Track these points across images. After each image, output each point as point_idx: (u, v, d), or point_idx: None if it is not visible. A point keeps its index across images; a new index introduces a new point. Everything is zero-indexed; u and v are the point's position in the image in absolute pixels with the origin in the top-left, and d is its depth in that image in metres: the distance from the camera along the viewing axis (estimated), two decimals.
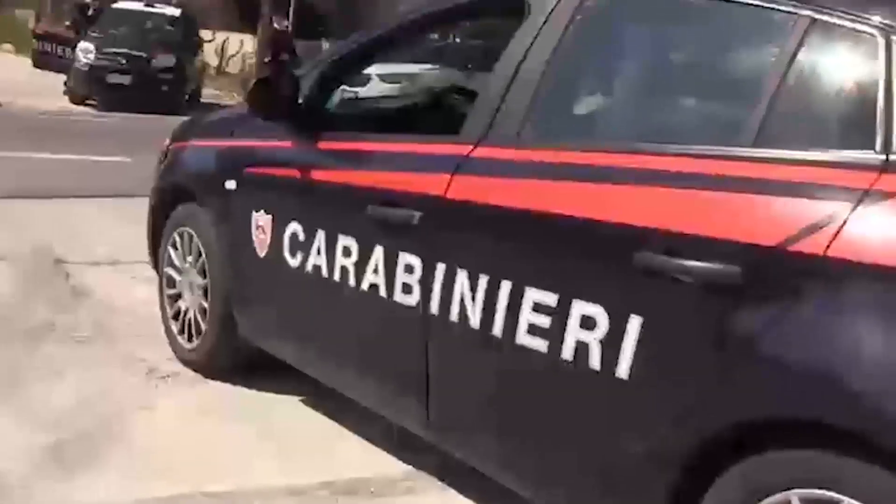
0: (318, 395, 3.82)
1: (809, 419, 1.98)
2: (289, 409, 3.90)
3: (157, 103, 16.14)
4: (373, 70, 16.70)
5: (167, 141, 4.60)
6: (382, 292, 3.02)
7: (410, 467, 3.42)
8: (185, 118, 5.20)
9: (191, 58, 18.78)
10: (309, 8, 23.68)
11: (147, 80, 16.87)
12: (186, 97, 18.00)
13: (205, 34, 21.47)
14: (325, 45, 22.95)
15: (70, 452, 3.36)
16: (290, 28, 20.51)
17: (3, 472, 3.15)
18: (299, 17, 22.01)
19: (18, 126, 12.69)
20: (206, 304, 4.09)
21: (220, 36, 24.42)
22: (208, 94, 20.59)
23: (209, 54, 22.66)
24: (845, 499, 1.93)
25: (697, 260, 2.15)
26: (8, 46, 29.91)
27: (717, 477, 2.16)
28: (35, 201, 7.49)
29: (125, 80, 16.86)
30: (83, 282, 5.37)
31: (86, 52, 17.06)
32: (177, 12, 19.46)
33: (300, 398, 3.96)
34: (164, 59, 17.27)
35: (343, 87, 3.85)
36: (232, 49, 24.97)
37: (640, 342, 2.26)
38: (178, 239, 4.28)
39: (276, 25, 19.92)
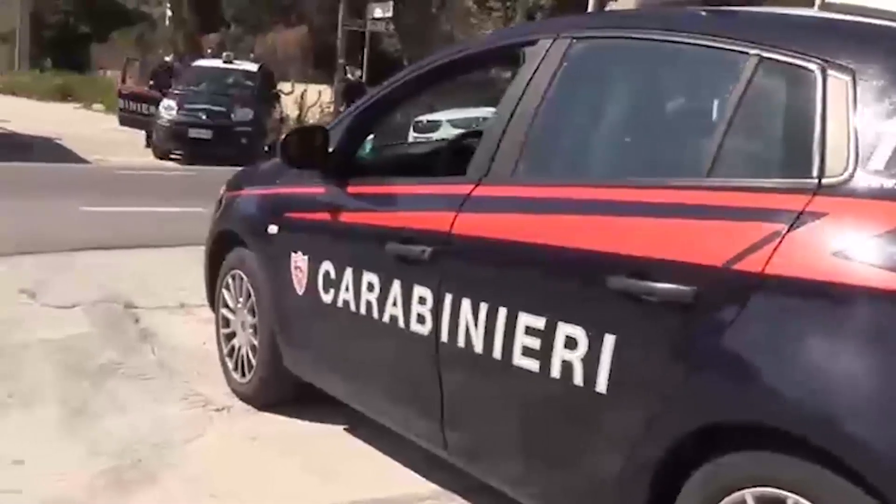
0: (358, 421, 4.07)
1: (753, 423, 2.18)
2: (331, 436, 4.17)
3: (237, 156, 16.70)
4: (443, 116, 17.15)
5: (222, 190, 4.95)
6: (401, 323, 3.28)
7: (436, 486, 3.65)
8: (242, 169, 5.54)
9: (269, 111, 19.43)
10: (381, 56, 24.28)
11: (227, 134, 17.53)
12: (266, 149, 18.60)
13: (284, 86, 22.17)
14: None
15: (129, 477, 3.67)
16: (363, 77, 21.16)
17: (68, 495, 3.48)
18: (372, 65, 22.61)
19: (106, 182, 13.36)
20: (255, 342, 4.39)
21: (299, 87, 25.17)
22: None
23: (289, 106, 23.36)
24: (790, 495, 2.12)
25: (658, 281, 2.37)
26: (98, 106, 31.23)
27: (684, 481, 2.36)
28: (114, 251, 7.95)
29: (206, 134, 17.54)
30: (151, 325, 5.74)
31: (168, 108, 17.81)
32: (254, 67, 20.17)
33: (343, 426, 4.23)
34: (243, 114, 17.92)
35: (375, 132, 4.11)
36: (310, 100, 25.68)
37: (614, 358, 2.48)
38: (230, 281, 4.61)
39: (349, 76, 20.56)
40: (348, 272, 3.60)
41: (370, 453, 4.01)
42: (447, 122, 16.58)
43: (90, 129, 21.85)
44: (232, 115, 17.85)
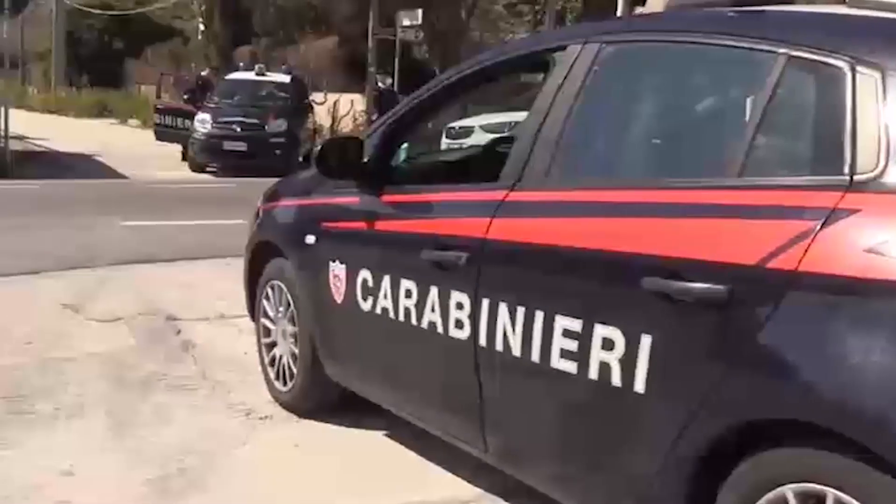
0: (398, 426, 4.12)
1: (791, 420, 2.19)
2: (372, 441, 4.22)
3: (272, 167, 16.84)
4: (475, 122, 17.21)
5: (259, 202, 5.02)
6: (440, 329, 3.32)
7: (478, 489, 3.69)
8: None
9: (302, 121, 19.58)
10: (412, 63, 24.38)
11: (261, 146, 17.69)
12: (300, 159, 18.76)
13: (317, 96, 22.32)
14: None
15: (176, 486, 3.74)
16: (394, 85, 21.28)
17: None
18: (403, 73, 22.70)
19: (142, 196, 13.53)
20: (296, 350, 4.45)
21: (331, 97, 25.31)
22: None
23: (322, 116, 23.51)
24: (831, 490, 2.13)
25: (692, 281, 2.39)
26: (134, 121, 31.60)
27: (725, 478, 2.38)
28: (154, 265, 8.08)
29: (241, 146, 17.70)
30: (192, 336, 5.83)
31: (203, 122, 18.00)
32: (287, 78, 20.33)
33: (384, 432, 4.28)
34: (276, 125, 18.07)
35: (410, 140, 4.16)
36: (343, 109, 25.81)
37: (651, 359, 2.50)
38: (270, 291, 4.67)
39: (380, 84, 20.67)
40: (386, 280, 3.65)
41: (411, 457, 4.06)
42: (479, 127, 16.63)
43: (127, 145, 22.15)
44: (266, 127, 18.01)
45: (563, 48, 3.18)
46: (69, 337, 5.69)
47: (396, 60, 23.71)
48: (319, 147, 3.93)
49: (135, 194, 13.98)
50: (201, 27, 40.70)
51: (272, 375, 4.71)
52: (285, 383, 4.58)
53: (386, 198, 3.78)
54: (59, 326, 5.94)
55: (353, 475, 3.90)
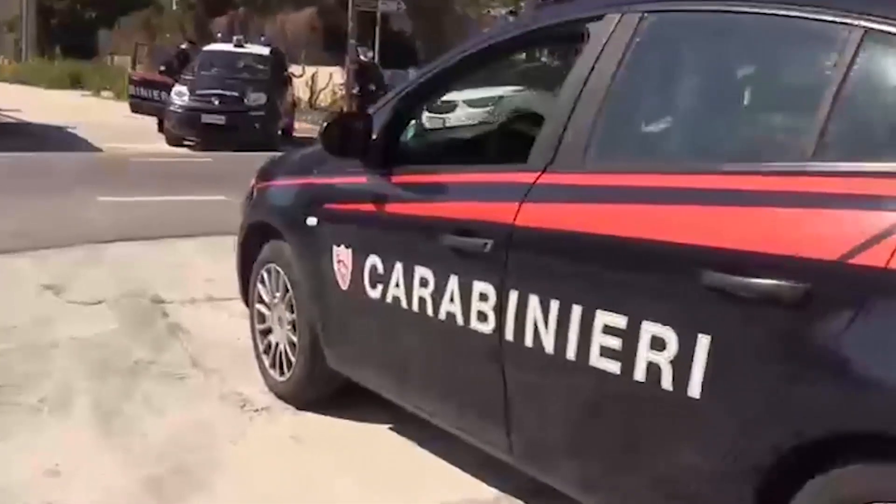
0: (404, 422, 3.89)
1: (876, 432, 1.97)
2: (376, 437, 3.99)
3: (252, 141, 16.57)
4: (459, 96, 16.87)
5: (253, 180, 4.75)
6: (459, 320, 3.08)
7: (496, 490, 3.47)
8: (272, 156, 5.35)
9: (282, 94, 19.19)
10: (394, 37, 24.04)
11: (240, 119, 17.31)
12: (280, 132, 18.42)
13: (295, 69, 21.93)
14: (412, 73, 23.28)
15: (171, 484, 3.49)
16: (375, 58, 20.93)
17: None
18: (385, 46, 22.36)
19: (118, 170, 13.17)
20: (294, 338, 4.20)
21: (310, 70, 24.93)
22: (301, 128, 20.99)
23: (300, 88, 23.13)
24: None
25: (763, 277, 2.16)
26: (107, 93, 31.07)
27: (795, 493, 2.16)
28: (135, 243, 7.77)
29: (219, 119, 17.30)
30: (180, 319, 5.56)
31: (180, 94, 17.58)
32: (266, 50, 19.92)
33: (388, 426, 4.04)
34: (256, 98, 17.68)
35: (420, 117, 3.91)
36: (321, 82, 25.46)
37: (710, 361, 2.27)
38: (265, 275, 4.42)
39: (361, 57, 20.32)
40: (398, 266, 3.40)
41: (417, 453, 3.84)
42: (463, 102, 16.29)
43: (101, 117, 21.65)
44: (245, 100, 17.61)
45: (599, 18, 2.92)
46: (51, 321, 5.40)
47: (377, 33, 23.34)
48: (325, 124, 3.66)
49: (111, 168, 13.59)
50: None
51: (267, 364, 4.45)
52: (282, 372, 4.33)
53: (397, 178, 3.52)
54: (40, 309, 5.64)
55: (356, 472, 3.66)
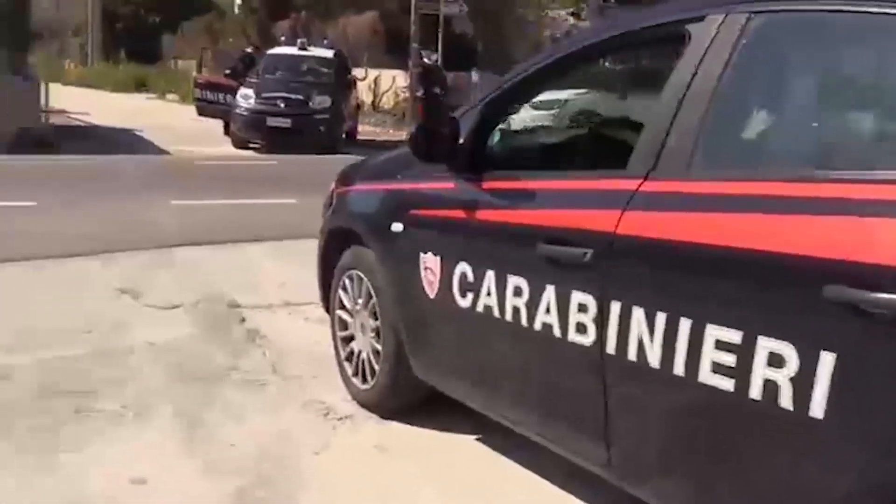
0: (489, 431, 3.81)
1: None
2: (460, 447, 3.91)
3: (316, 143, 16.67)
4: None
5: (332, 185, 4.70)
6: (556, 332, 2.99)
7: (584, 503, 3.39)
8: (352, 160, 5.30)
9: (346, 97, 19.24)
10: (456, 39, 23.97)
11: (305, 122, 17.38)
12: (343, 135, 18.46)
13: (358, 72, 21.98)
14: (475, 75, 23.21)
15: (253, 496, 3.44)
16: (439, 60, 20.88)
17: None
18: (447, 48, 22.31)
19: (186, 173, 13.27)
20: (378, 346, 4.14)
21: (372, 73, 24.96)
22: (365, 130, 21.07)
23: (363, 91, 23.17)
24: None
25: (893, 291, 2.04)
26: (172, 96, 31.45)
27: None
28: (204, 247, 7.78)
29: (284, 122, 17.38)
30: (257, 325, 5.52)
31: (246, 97, 17.68)
32: (330, 53, 19.96)
33: (475, 437, 3.96)
34: (321, 101, 17.73)
35: (507, 121, 3.82)
36: (384, 85, 25.47)
37: (835, 380, 2.16)
38: (347, 282, 4.36)
39: (425, 59, 20.31)
40: (489, 275, 3.31)
41: (502, 464, 3.76)
42: (527, 104, 16.19)
43: (167, 120, 21.91)
44: (310, 103, 17.67)
45: (700, 19, 2.81)
46: (128, 325, 5.40)
47: (440, 35, 23.28)
48: (414, 129, 3.59)
49: (178, 171, 13.70)
50: (238, 0, 40.39)
51: (350, 372, 4.39)
52: (365, 380, 4.27)
53: (487, 184, 3.43)
54: (117, 313, 5.65)
55: (441, 482, 3.60)
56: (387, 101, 25.53)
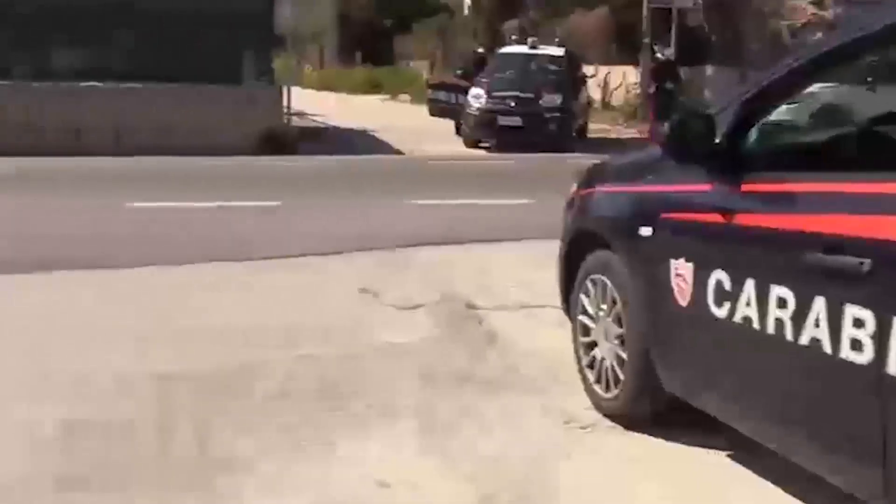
0: (742, 448, 3.59)
1: None
2: (714, 466, 3.69)
3: (547, 142, 16.63)
4: None
5: (574, 187, 4.59)
6: (826, 348, 2.76)
7: None
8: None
9: (576, 95, 19.10)
10: (690, 33, 23.31)
11: (536, 121, 17.35)
12: (574, 134, 18.31)
13: (587, 69, 21.78)
14: (709, 70, 22.52)
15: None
16: (673, 55, 20.38)
17: None
18: (681, 43, 21.74)
19: (423, 172, 13.52)
20: (622, 354, 3.99)
21: (602, 70, 24.68)
22: (594, 128, 20.84)
23: (592, 88, 22.93)
24: None
25: None
26: (404, 97, 32.22)
27: None
28: (444, 247, 7.84)
29: (515, 121, 17.42)
30: (494, 327, 5.48)
31: (477, 97, 17.83)
32: (560, 51, 19.84)
33: (726, 453, 3.74)
34: (551, 99, 17.66)
35: (767, 119, 3.59)
36: (614, 82, 25.13)
37: None
38: (590, 286, 4.23)
39: (659, 55, 19.86)
40: (749, 284, 3.11)
41: (754, 483, 3.52)
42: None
43: (400, 120, 22.41)
44: (540, 101, 17.63)
45: None
46: (370, 325, 5.48)
47: (673, 29, 22.71)
48: (670, 125, 3.42)
49: (415, 171, 13.99)
50: (468, 1, 40.91)
51: (592, 379, 4.27)
52: (608, 388, 4.13)
53: (748, 186, 3.22)
54: (359, 313, 5.76)
55: (689, 501, 3.41)
56: (617, 98, 25.15)
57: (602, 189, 4.31)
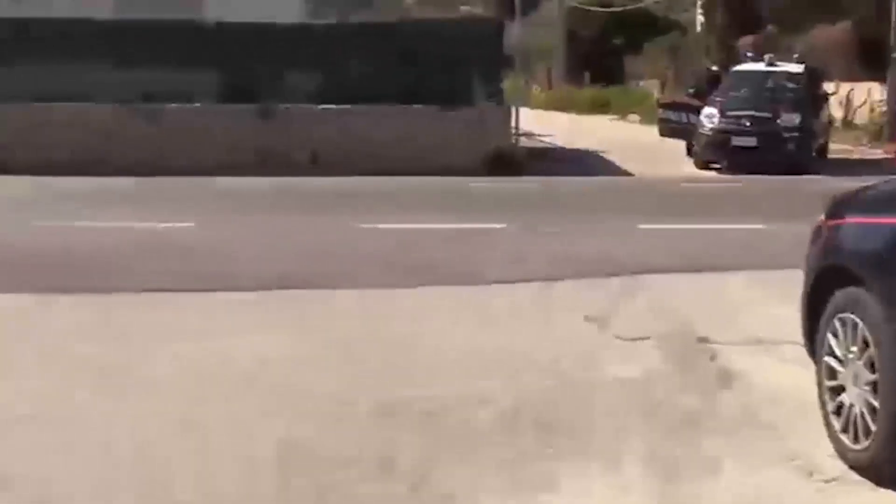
0: None
1: None
2: None
3: (784, 163, 15.93)
4: None
5: (821, 217, 4.26)
6: None
7: None
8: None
9: (816, 113, 18.17)
10: None
11: (772, 141, 16.59)
12: (813, 154, 17.43)
13: (827, 86, 20.71)
14: None
15: None
16: None
17: None
18: None
19: (655, 195, 13.20)
20: (874, 402, 3.63)
21: (844, 86, 23.44)
22: (835, 149, 19.80)
23: (833, 106, 21.80)
24: None
25: None
26: (634, 117, 31.74)
27: None
28: (673, 275, 7.51)
29: (750, 142, 16.71)
30: (729, 363, 5.16)
31: (710, 116, 17.23)
32: (799, 68, 18.91)
33: None
34: (789, 118, 16.86)
35: None
36: (858, 99, 23.83)
37: None
38: (839, 326, 3.89)
39: None
40: None
41: None
42: None
43: (629, 141, 22.05)
44: (778, 121, 16.86)
45: None
46: (595, 356, 5.28)
47: None
48: None
49: (644, 193, 13.66)
50: (700, 18, 39.90)
51: (838, 427, 3.90)
52: (856, 439, 3.76)
53: None
54: (583, 343, 5.57)
55: None
56: (861, 117, 23.82)
57: (854, 220, 3.97)
